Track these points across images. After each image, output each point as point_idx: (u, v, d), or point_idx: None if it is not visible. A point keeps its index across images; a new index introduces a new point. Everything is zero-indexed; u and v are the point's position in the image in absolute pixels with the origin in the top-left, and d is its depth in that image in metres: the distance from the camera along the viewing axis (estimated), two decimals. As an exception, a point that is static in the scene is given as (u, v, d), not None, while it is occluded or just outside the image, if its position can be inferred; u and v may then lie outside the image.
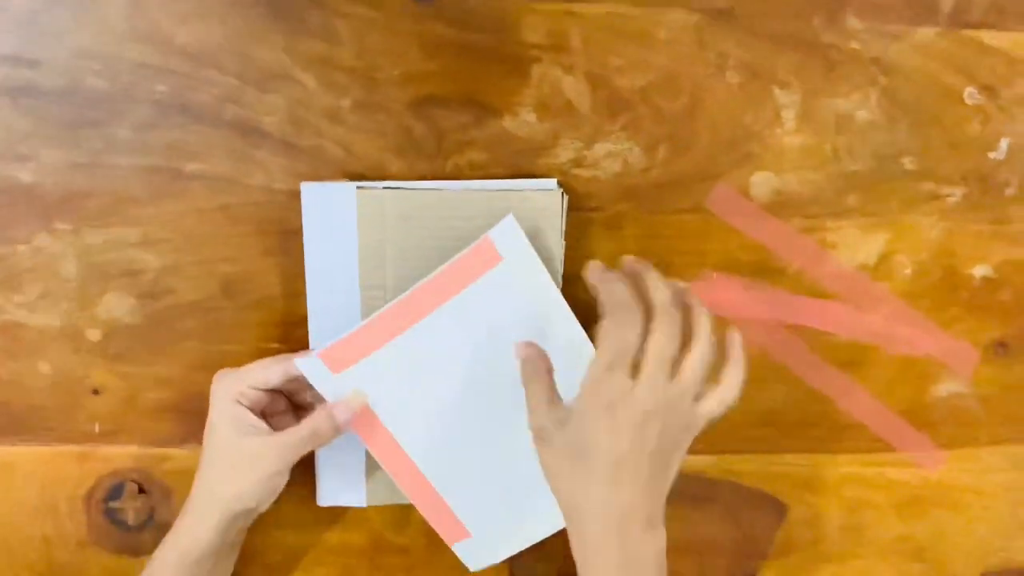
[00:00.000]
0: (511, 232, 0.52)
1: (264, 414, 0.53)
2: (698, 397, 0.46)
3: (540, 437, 0.48)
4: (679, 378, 0.45)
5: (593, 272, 0.49)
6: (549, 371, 0.50)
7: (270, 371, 0.52)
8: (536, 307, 0.54)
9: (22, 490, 0.58)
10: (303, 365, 0.51)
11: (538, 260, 0.53)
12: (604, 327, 0.46)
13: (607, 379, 0.45)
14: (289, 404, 0.55)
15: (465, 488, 0.56)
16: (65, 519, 0.59)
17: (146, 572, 0.52)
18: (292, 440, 0.51)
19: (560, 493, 0.48)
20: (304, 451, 0.52)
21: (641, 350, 0.45)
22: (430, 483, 0.55)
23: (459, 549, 0.58)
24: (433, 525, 0.56)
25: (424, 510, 0.56)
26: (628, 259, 0.50)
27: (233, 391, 0.51)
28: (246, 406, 0.52)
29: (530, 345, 0.52)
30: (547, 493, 0.49)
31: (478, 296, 0.53)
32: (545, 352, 0.51)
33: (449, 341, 0.52)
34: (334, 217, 0.54)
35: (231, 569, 0.56)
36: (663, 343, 0.45)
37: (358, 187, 0.53)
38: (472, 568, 0.58)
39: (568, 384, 0.55)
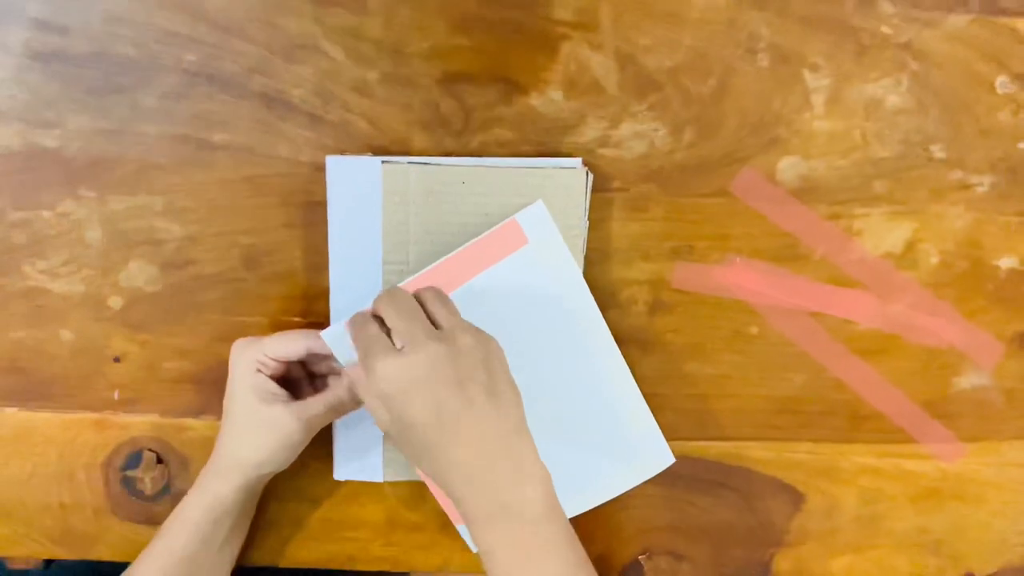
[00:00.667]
0: (539, 217, 0.52)
1: (282, 380, 0.53)
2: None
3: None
4: None
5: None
6: None
7: (292, 345, 0.52)
8: (558, 290, 0.54)
9: (41, 456, 0.59)
10: (329, 338, 0.51)
11: (565, 246, 0.53)
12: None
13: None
14: (306, 372, 0.55)
15: None
16: (82, 486, 0.59)
17: (165, 528, 0.53)
18: (314, 409, 0.52)
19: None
20: (326, 421, 0.53)
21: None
22: None
23: (464, 530, 0.57)
24: (440, 503, 0.56)
25: (433, 488, 0.56)
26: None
27: (253, 360, 0.52)
28: (266, 375, 0.52)
29: None
30: (559, 478, 0.49)
31: (500, 276, 0.53)
32: None
33: (470, 318, 0.52)
34: (359, 191, 0.54)
35: (247, 528, 0.57)
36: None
37: (383, 161, 0.53)
38: (475, 549, 0.58)
39: (584, 368, 0.55)
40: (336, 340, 0.51)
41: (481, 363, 0.46)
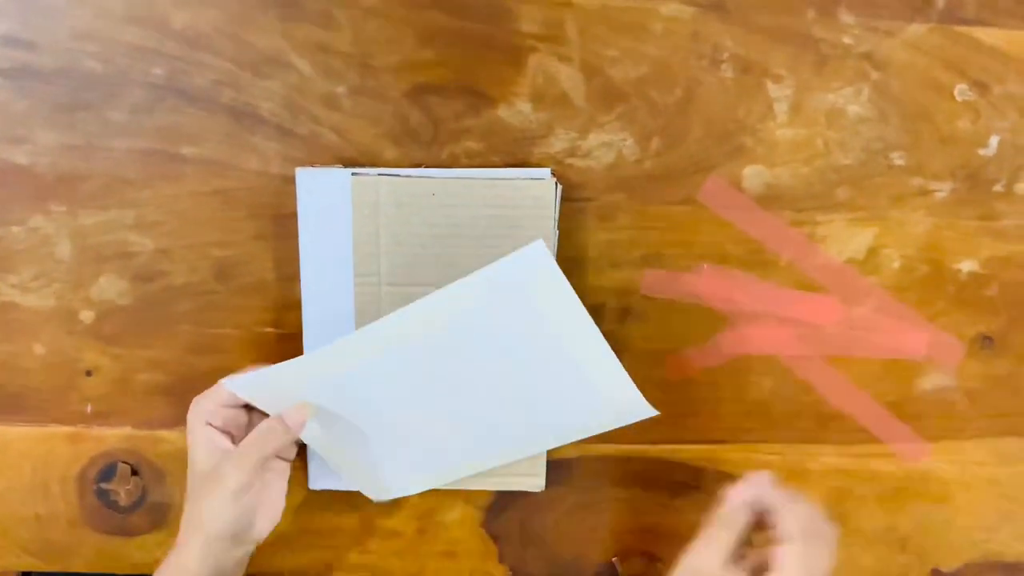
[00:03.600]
0: (535, 258, 0.48)
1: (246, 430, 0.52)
2: None
3: None
4: None
5: (769, 492, 0.49)
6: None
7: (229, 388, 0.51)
8: (553, 329, 0.51)
9: (15, 469, 0.59)
10: (239, 388, 0.51)
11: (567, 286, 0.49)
12: (803, 554, 0.46)
13: None
14: None
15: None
16: (57, 499, 0.59)
17: None
18: (243, 448, 0.50)
19: None
20: (260, 455, 0.50)
21: None
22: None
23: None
24: None
25: None
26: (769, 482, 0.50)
27: (204, 412, 0.51)
28: (218, 426, 0.51)
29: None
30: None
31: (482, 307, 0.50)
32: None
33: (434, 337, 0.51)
34: (329, 203, 0.54)
35: None
36: None
37: (353, 174, 0.54)
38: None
39: (595, 402, 0.55)
40: (247, 389, 0.51)
41: None
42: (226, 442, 0.51)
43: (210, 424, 0.51)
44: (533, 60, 0.54)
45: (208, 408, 0.51)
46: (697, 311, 0.59)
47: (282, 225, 0.55)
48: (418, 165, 0.55)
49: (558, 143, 0.56)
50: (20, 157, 0.54)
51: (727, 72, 0.55)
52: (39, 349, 0.57)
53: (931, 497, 0.63)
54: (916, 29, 0.55)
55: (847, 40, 0.55)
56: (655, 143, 0.56)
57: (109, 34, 0.52)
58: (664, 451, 0.61)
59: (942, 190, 0.58)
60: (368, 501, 0.60)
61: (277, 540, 0.60)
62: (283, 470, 0.54)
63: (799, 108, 0.56)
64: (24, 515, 0.59)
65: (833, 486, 0.62)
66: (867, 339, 0.60)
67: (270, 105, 0.54)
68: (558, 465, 0.60)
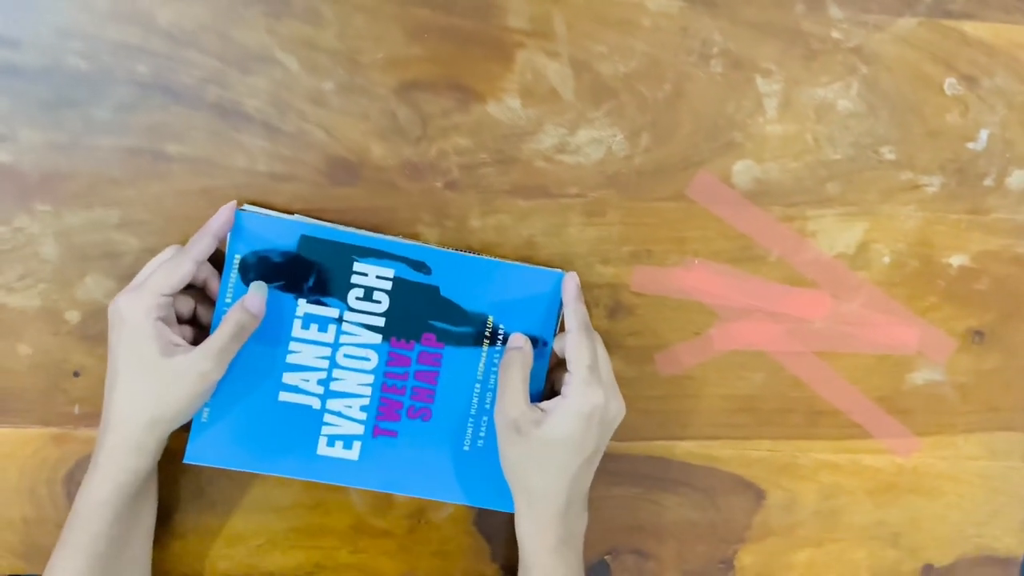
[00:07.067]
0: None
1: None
2: None
3: (513, 429, 0.51)
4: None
5: (573, 290, 0.54)
6: (529, 368, 0.54)
7: (180, 272, 0.50)
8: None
9: (2, 471, 0.58)
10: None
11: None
12: (581, 342, 0.52)
13: (588, 392, 0.51)
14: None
15: None
16: (45, 501, 0.59)
17: (76, 520, 0.51)
18: (221, 343, 0.50)
19: (519, 478, 0.53)
20: (236, 349, 0.51)
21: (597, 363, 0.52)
22: None
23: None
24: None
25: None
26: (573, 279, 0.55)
27: (148, 307, 0.49)
28: (163, 319, 0.50)
29: (521, 337, 0.55)
30: None
31: None
32: (531, 349, 0.54)
33: None
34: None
35: (156, 490, 0.55)
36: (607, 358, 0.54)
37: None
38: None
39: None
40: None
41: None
42: (180, 339, 0.50)
43: (159, 320, 0.49)
44: (521, 56, 0.54)
45: (152, 303, 0.49)
46: (687, 307, 0.59)
47: (270, 223, 0.55)
48: (407, 161, 0.55)
49: (547, 139, 0.55)
50: (4, 156, 0.53)
51: (716, 67, 0.55)
52: (24, 350, 0.56)
53: (922, 492, 0.63)
54: (905, 23, 0.55)
55: (836, 35, 0.55)
56: (644, 139, 0.56)
57: (94, 31, 0.52)
58: (655, 448, 0.61)
59: (932, 184, 0.58)
60: (359, 501, 0.60)
61: (267, 540, 0.60)
62: None
63: (789, 103, 0.56)
64: (10, 517, 0.59)
65: (824, 481, 0.62)
66: (857, 334, 0.60)
67: (256, 102, 0.53)
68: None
